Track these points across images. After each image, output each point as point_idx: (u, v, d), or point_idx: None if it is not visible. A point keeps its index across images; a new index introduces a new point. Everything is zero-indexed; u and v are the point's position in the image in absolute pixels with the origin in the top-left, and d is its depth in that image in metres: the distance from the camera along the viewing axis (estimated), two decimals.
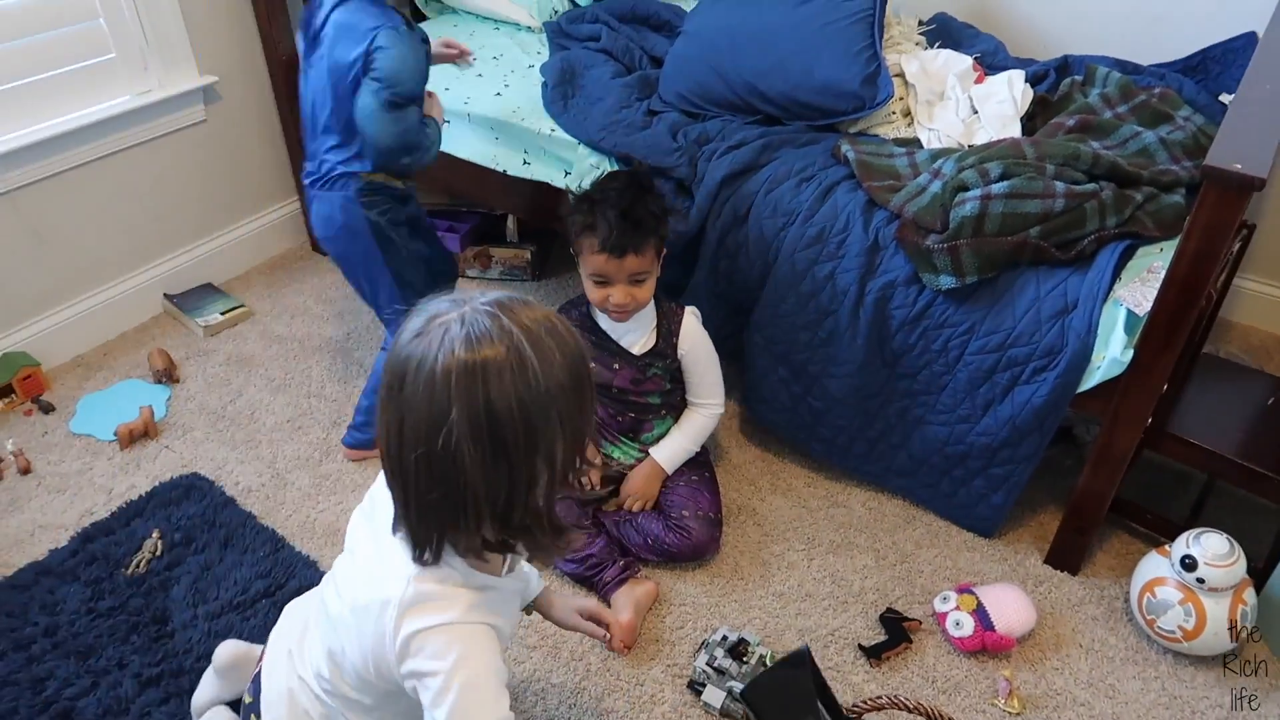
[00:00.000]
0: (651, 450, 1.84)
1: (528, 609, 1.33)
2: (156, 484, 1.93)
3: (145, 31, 2.21)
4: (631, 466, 1.85)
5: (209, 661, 1.54)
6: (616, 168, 1.99)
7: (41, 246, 2.18)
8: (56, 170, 2.14)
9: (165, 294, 2.46)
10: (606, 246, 1.62)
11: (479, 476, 0.87)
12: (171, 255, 2.48)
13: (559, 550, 0.98)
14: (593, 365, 1.80)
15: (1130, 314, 1.54)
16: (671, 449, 1.83)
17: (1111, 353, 1.55)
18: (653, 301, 1.77)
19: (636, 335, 1.79)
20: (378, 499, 1.06)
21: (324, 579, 1.17)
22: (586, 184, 2.01)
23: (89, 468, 1.99)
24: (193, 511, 1.86)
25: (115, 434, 2.04)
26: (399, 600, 0.96)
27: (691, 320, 1.81)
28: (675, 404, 1.88)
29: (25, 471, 1.97)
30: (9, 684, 1.53)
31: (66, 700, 1.51)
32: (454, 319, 0.88)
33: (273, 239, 2.72)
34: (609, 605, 1.67)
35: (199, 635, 1.61)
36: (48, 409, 2.14)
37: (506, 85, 2.26)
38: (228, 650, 1.44)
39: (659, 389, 1.83)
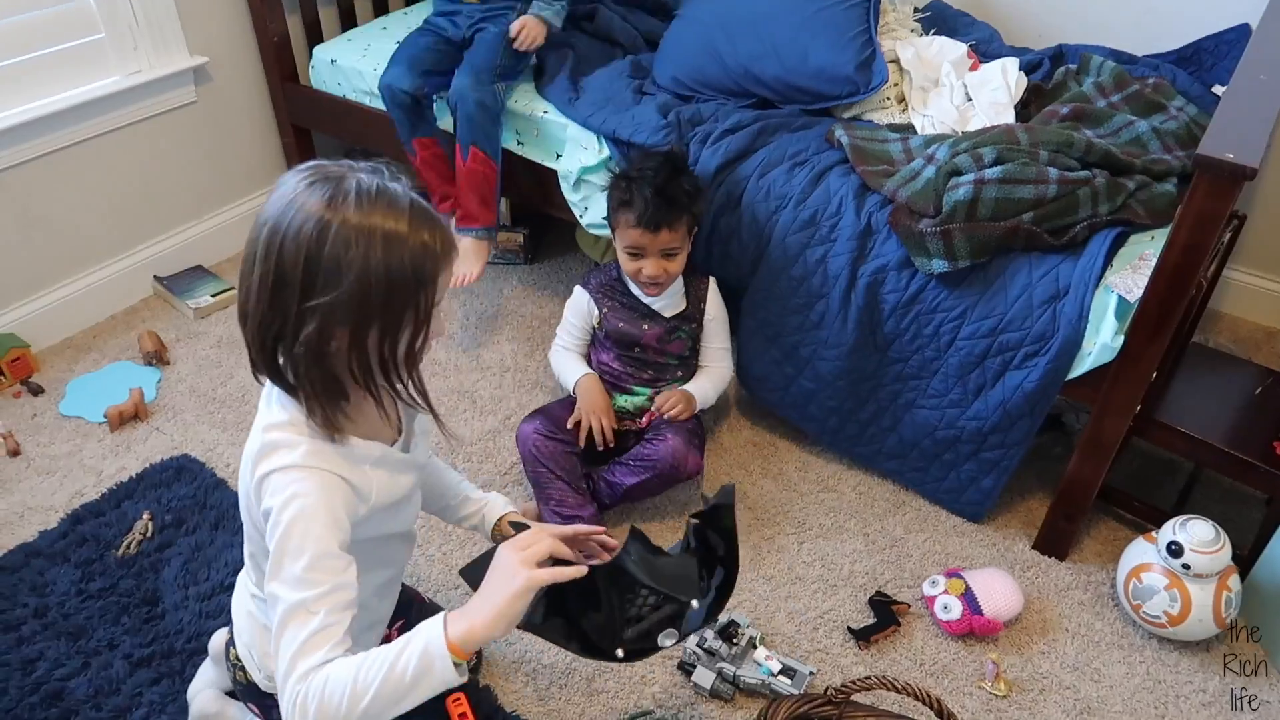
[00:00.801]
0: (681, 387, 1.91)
1: (495, 535, 1.33)
2: (147, 466, 1.92)
3: (135, 10, 2.19)
4: (634, 419, 1.89)
5: (200, 642, 1.55)
6: (606, 150, 2.00)
7: (30, 228, 2.17)
8: (45, 151, 2.12)
9: (155, 276, 2.45)
10: (641, 221, 1.71)
11: (263, 300, 0.95)
12: (161, 237, 2.46)
13: (333, 412, 1.00)
14: (620, 324, 1.86)
15: (1121, 301, 1.55)
16: (700, 386, 1.90)
17: (1102, 339, 1.56)
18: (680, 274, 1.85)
19: (667, 300, 1.86)
20: None
21: None
22: (576, 167, 2.03)
23: (79, 450, 1.98)
24: (183, 493, 1.86)
25: (105, 416, 2.03)
26: (254, 453, 1.01)
27: (715, 289, 1.92)
28: (690, 369, 1.95)
29: (14, 454, 1.96)
30: None
31: (57, 681, 1.51)
32: (339, 173, 0.96)
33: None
34: None
35: (190, 616, 1.61)
36: (37, 391, 2.13)
37: None
38: (222, 638, 1.45)
39: (680, 351, 1.90)
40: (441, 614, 0.95)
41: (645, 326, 1.87)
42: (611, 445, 1.83)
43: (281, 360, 0.99)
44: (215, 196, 2.57)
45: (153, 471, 1.91)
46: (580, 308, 1.91)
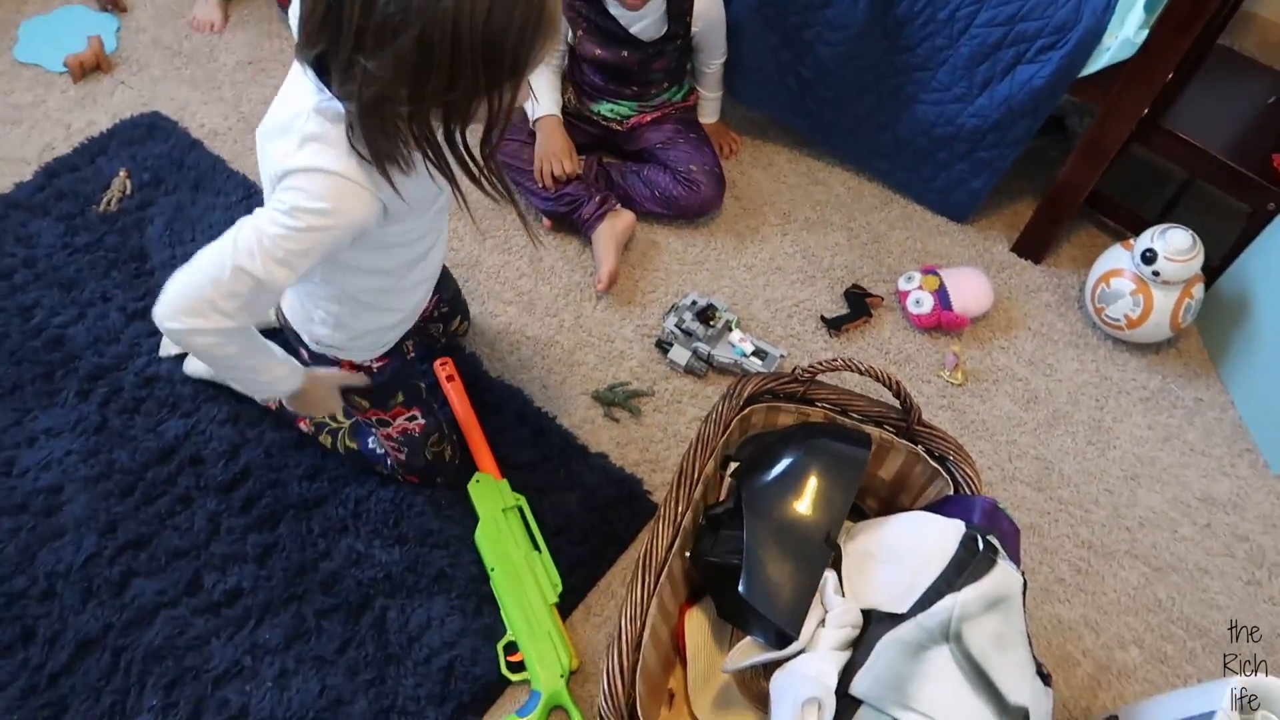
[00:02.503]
0: (702, 118, 1.90)
1: None
2: (117, 121, 1.85)
3: None
4: (620, 123, 1.83)
5: None
6: None
7: None
8: None
9: None
10: None
11: (315, 19, 0.82)
12: None
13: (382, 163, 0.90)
14: (597, 52, 1.73)
15: None
16: (715, 106, 1.91)
17: (1125, 33, 1.46)
18: None
19: (647, 23, 1.69)
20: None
21: None
22: None
23: (42, 100, 1.89)
24: (159, 151, 1.81)
25: (65, 65, 1.91)
26: (300, 131, 0.90)
27: None
28: (677, 77, 1.84)
29: None
30: None
31: (56, 328, 1.56)
32: None
33: None
34: (590, 242, 1.72)
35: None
36: None
37: None
38: None
39: (666, 66, 1.79)
40: (300, 377, 1.11)
41: (625, 54, 1.72)
42: (575, 177, 1.72)
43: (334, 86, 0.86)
44: None
45: (123, 128, 1.84)
46: None
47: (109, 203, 1.73)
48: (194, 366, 1.50)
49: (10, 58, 1.95)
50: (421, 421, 1.35)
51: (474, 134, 0.93)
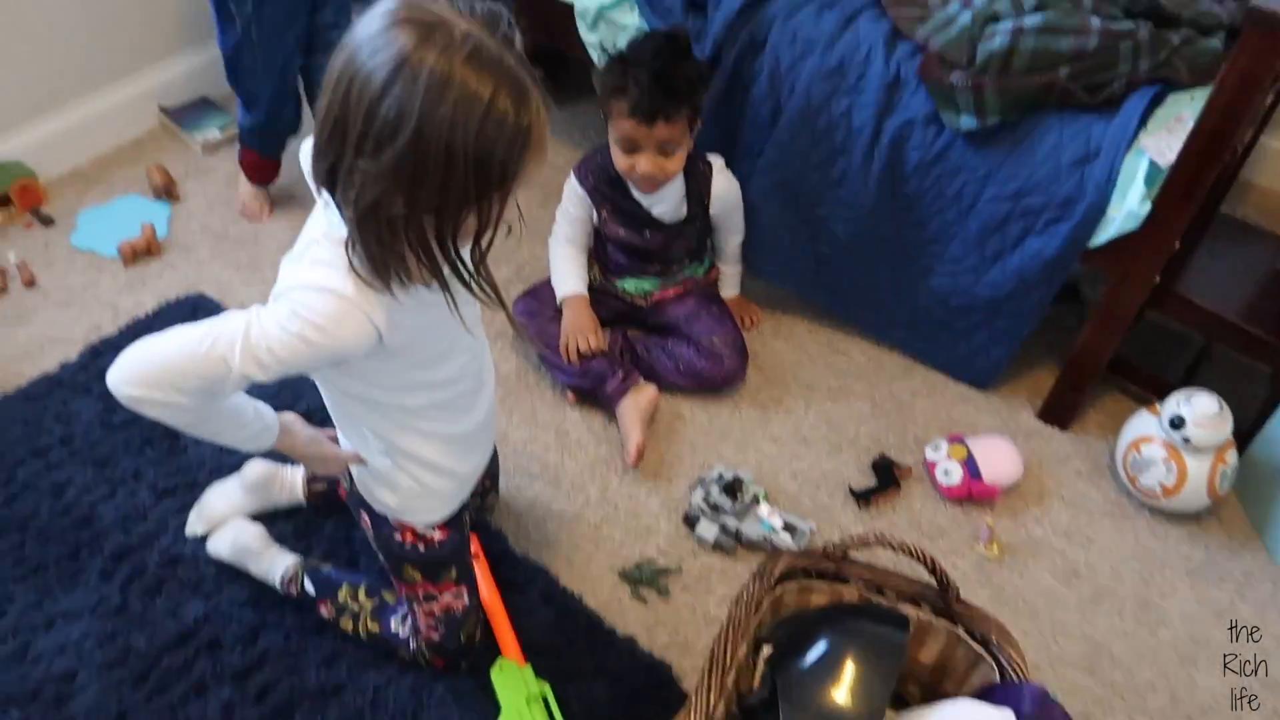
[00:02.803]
0: (723, 291, 1.96)
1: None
2: (162, 303, 1.93)
3: None
4: (644, 299, 1.88)
5: (222, 475, 1.60)
6: None
7: (27, 46, 2.08)
8: None
9: (160, 106, 2.38)
10: (636, 111, 1.57)
11: (323, 134, 0.86)
12: (164, 61, 2.37)
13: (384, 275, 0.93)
14: (621, 233, 1.80)
15: (1153, 165, 1.50)
16: (735, 280, 1.97)
17: (1129, 205, 1.51)
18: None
19: (667, 205, 1.77)
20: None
21: None
22: (594, 4, 1.92)
23: (94, 283, 1.98)
24: None
25: (118, 250, 2.02)
26: (311, 256, 0.95)
27: (721, 178, 1.80)
28: (699, 255, 1.90)
29: (30, 284, 1.97)
30: (30, 489, 1.59)
31: (86, 506, 1.57)
32: (462, 26, 0.83)
33: None
34: (616, 417, 1.73)
35: (211, 450, 1.65)
36: (47, 222, 2.11)
37: None
38: (257, 468, 1.52)
39: (687, 246, 1.85)
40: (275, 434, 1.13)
41: (647, 234, 1.80)
42: (601, 352, 1.76)
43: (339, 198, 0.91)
44: None
45: (169, 309, 1.92)
46: (580, 200, 1.80)
47: None
48: (216, 547, 1.49)
49: (68, 244, 2.07)
50: (466, 601, 1.32)
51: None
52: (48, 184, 2.20)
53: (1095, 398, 1.86)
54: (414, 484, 1.20)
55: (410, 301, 0.96)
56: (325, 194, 0.93)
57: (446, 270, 0.93)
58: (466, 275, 0.95)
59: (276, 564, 1.44)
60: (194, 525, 1.53)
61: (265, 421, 1.12)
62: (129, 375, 0.98)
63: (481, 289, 0.99)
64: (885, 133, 1.68)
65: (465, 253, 0.95)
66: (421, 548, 1.26)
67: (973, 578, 1.56)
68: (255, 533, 1.48)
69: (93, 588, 1.47)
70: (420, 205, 0.87)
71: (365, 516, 1.27)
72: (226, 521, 1.51)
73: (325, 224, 0.96)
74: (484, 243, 0.95)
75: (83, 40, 2.18)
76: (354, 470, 1.24)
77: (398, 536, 1.25)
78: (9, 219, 2.10)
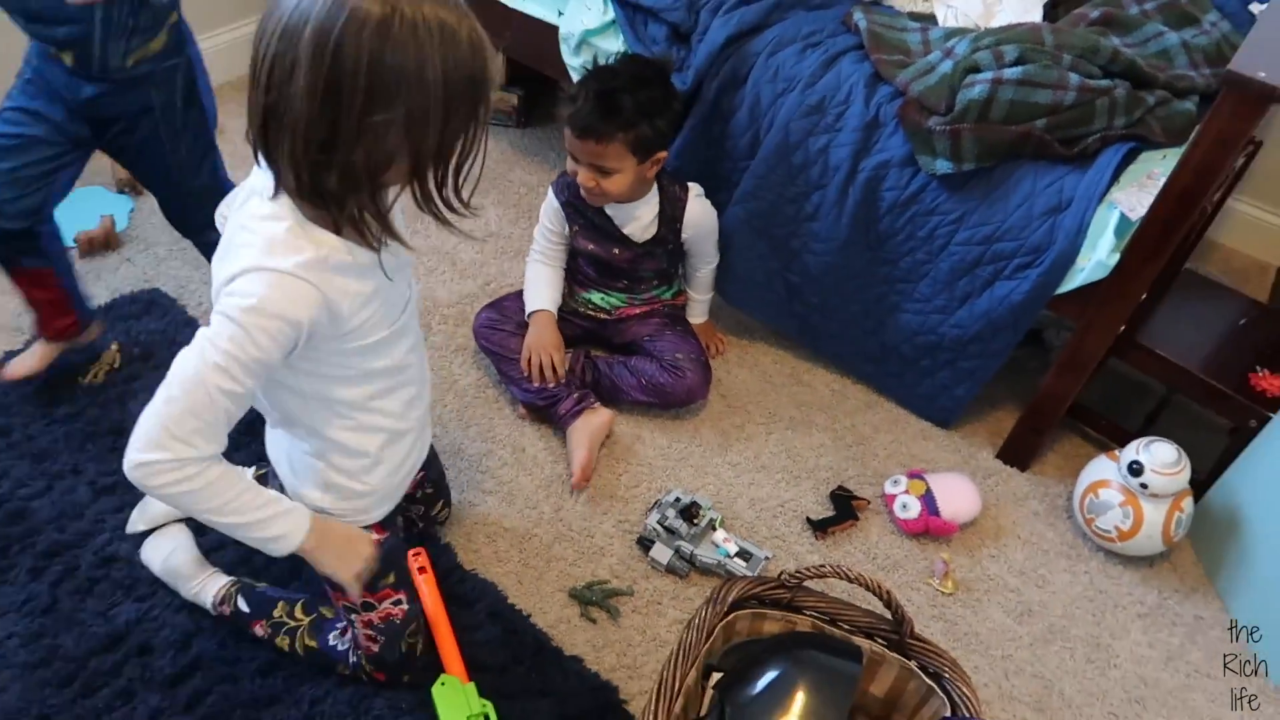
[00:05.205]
0: (690, 318, 1.95)
1: None
2: (116, 296, 1.89)
3: None
4: (609, 312, 1.87)
5: None
6: (612, 12, 1.90)
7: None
8: None
9: None
10: (571, 122, 1.59)
11: (303, 104, 0.84)
12: None
13: (374, 232, 0.95)
14: (590, 247, 1.78)
15: (1123, 218, 1.52)
16: (704, 307, 1.96)
17: (1098, 256, 1.53)
18: (655, 186, 1.75)
19: (638, 223, 1.77)
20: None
21: None
22: (578, 28, 1.93)
23: None
24: (153, 327, 1.83)
25: (75, 241, 1.97)
26: (240, 243, 0.94)
27: (696, 204, 1.79)
28: (667, 277, 1.90)
29: None
30: None
31: (20, 500, 1.51)
32: None
33: (242, 55, 2.57)
34: (565, 438, 1.70)
35: None
36: None
37: None
38: None
39: (656, 267, 1.85)
40: (307, 516, 1.07)
41: (616, 251, 1.79)
42: (560, 381, 1.75)
43: (319, 176, 0.89)
44: (196, 25, 2.43)
45: (122, 302, 1.87)
46: (555, 213, 1.80)
47: (96, 374, 1.72)
48: (148, 557, 1.44)
49: None
50: (405, 607, 1.28)
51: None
52: None
53: (1055, 441, 1.87)
54: (348, 482, 1.16)
55: (348, 259, 0.96)
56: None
57: (439, 204, 0.94)
58: (458, 203, 0.96)
59: (208, 586, 1.39)
60: (135, 523, 1.48)
61: (292, 510, 1.07)
62: (135, 445, 0.95)
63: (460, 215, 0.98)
64: (862, 171, 1.70)
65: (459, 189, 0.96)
66: None
67: (927, 612, 1.55)
68: (188, 556, 1.42)
69: (21, 585, 1.41)
70: (425, 148, 0.89)
71: None
72: (166, 525, 1.46)
73: (257, 200, 0.95)
74: (469, 165, 0.95)
75: None
76: (282, 473, 1.20)
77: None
78: None
